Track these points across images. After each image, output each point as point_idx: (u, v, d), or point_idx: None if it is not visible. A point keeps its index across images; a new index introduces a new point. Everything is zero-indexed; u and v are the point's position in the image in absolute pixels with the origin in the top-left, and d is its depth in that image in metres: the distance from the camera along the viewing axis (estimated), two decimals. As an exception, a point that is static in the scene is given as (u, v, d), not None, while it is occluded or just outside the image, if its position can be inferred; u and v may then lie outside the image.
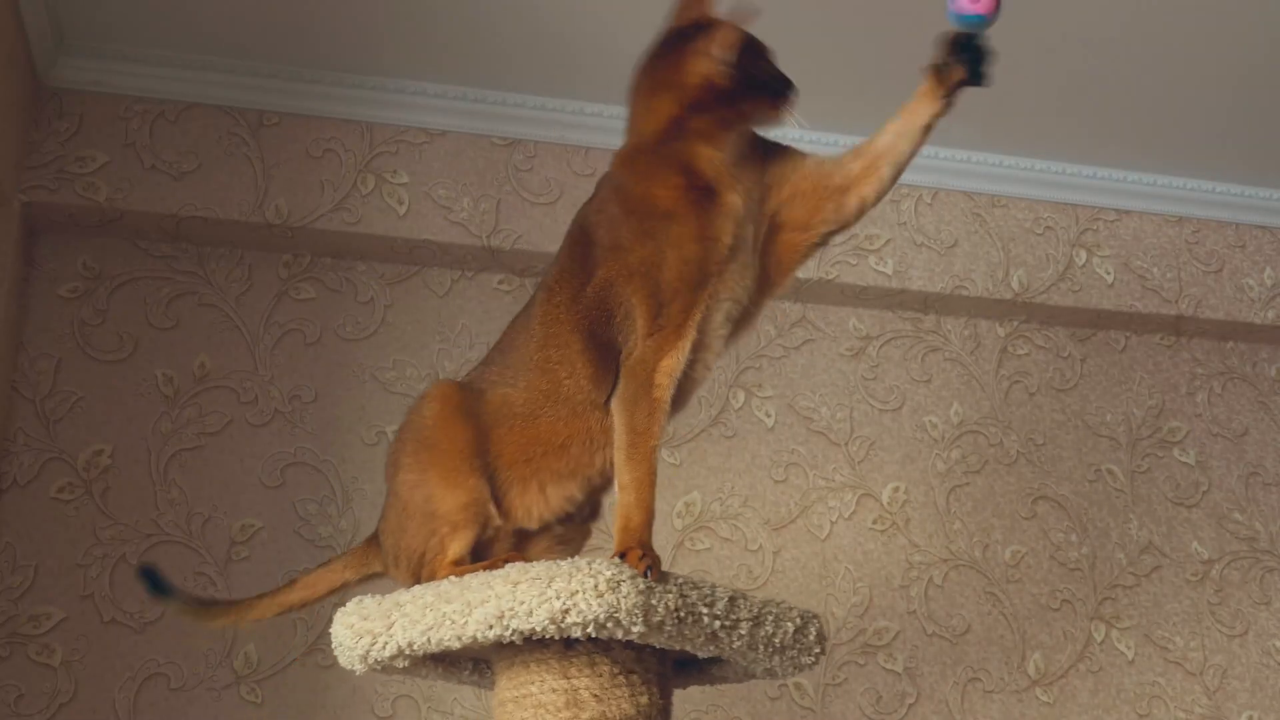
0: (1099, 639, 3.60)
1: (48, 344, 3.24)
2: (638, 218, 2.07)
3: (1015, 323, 3.84)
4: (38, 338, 3.24)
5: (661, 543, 3.39)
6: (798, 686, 3.39)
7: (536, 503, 2.13)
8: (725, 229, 2.03)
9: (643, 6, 3.16)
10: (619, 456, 1.99)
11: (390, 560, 2.20)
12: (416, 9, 3.17)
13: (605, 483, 2.14)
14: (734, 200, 2.05)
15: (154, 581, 2.37)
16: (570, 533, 2.23)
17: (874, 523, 3.58)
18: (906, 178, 3.69)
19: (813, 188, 2.15)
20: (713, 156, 2.07)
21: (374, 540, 2.28)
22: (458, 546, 2.10)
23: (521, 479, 2.12)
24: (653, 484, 1.97)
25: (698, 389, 2.15)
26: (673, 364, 2.01)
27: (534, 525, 2.16)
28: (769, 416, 3.60)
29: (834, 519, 3.55)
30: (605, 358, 2.05)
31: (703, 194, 2.03)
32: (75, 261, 3.32)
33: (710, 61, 2.05)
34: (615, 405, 2.03)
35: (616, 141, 3.54)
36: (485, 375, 2.21)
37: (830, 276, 3.61)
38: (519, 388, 2.13)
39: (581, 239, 2.16)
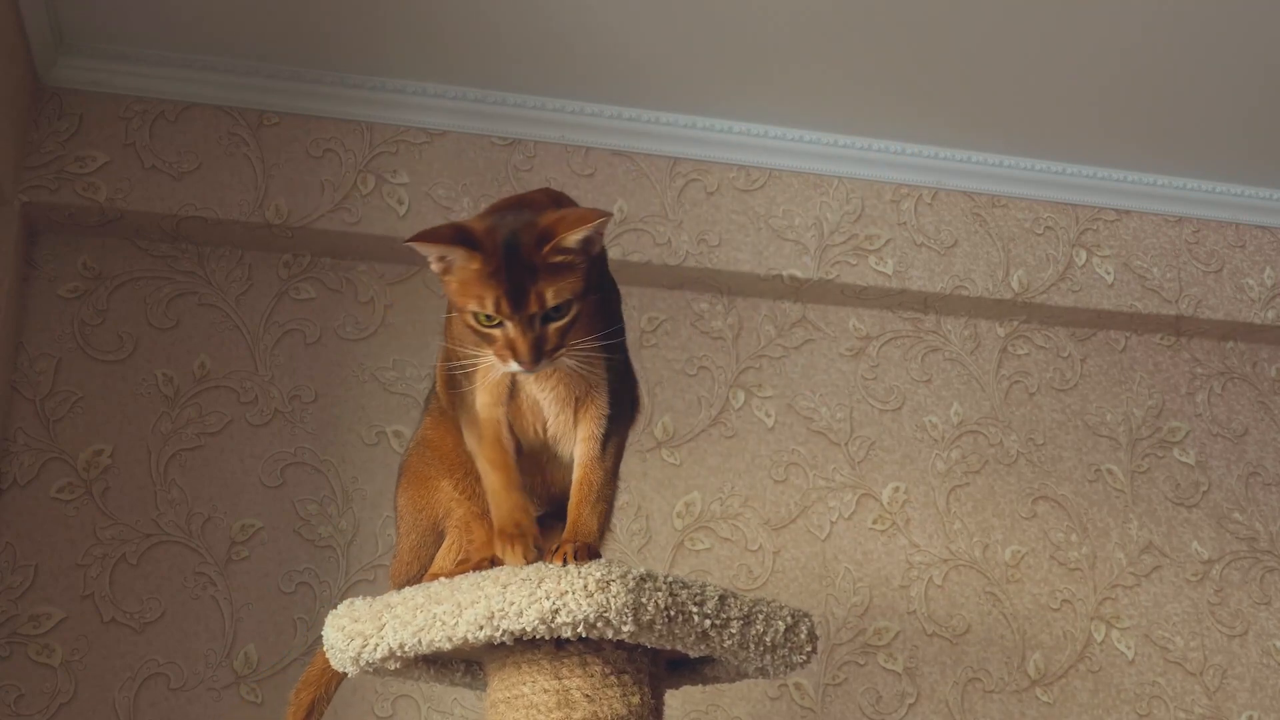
0: (1099, 639, 3.59)
1: (48, 344, 3.25)
2: None
3: (1015, 323, 3.84)
4: (38, 338, 3.25)
5: (662, 543, 3.39)
6: (798, 686, 3.39)
7: None
8: None
9: (643, 7, 3.17)
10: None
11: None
12: (417, 9, 3.17)
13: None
14: None
15: None
16: None
17: (874, 523, 3.57)
18: (907, 177, 3.73)
19: None
20: None
21: None
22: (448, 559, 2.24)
23: None
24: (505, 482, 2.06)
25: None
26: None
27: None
28: (769, 416, 3.60)
29: (834, 519, 3.55)
30: None
31: None
32: (75, 261, 3.32)
33: None
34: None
35: (616, 141, 3.59)
36: None
37: (830, 276, 3.61)
38: None
39: None
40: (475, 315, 1.91)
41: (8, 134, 3.05)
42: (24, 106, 3.18)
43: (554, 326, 1.91)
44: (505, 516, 1.99)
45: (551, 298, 1.89)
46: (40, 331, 3.25)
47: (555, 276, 1.90)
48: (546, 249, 1.89)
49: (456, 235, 1.91)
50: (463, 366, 2.01)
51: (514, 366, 1.91)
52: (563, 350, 1.94)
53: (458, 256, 1.91)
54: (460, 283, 1.92)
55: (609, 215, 1.93)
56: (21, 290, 3.24)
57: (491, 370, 1.99)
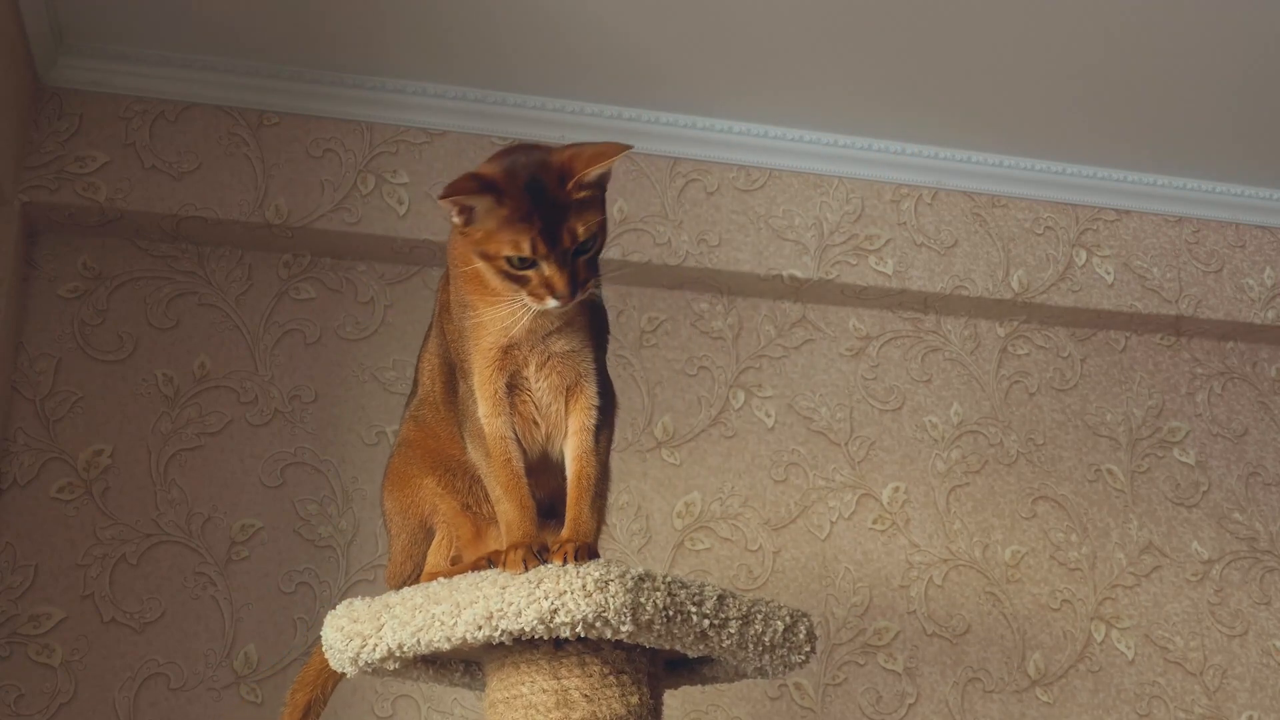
0: (1099, 639, 3.59)
1: (48, 344, 3.25)
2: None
3: (1015, 323, 3.84)
4: (38, 338, 3.25)
5: (662, 543, 3.39)
6: (798, 686, 3.39)
7: None
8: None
9: (643, 6, 3.17)
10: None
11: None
12: (417, 9, 3.17)
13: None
14: None
15: None
16: None
17: (874, 523, 3.57)
18: (907, 177, 3.73)
19: None
20: None
21: None
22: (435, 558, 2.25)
23: None
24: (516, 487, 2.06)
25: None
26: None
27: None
28: (769, 416, 3.60)
29: (834, 519, 3.55)
30: None
31: None
32: (75, 261, 3.32)
33: None
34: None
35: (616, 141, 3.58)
36: None
37: (830, 276, 3.61)
38: None
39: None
40: (509, 260, 1.92)
41: (8, 134, 3.05)
42: (24, 106, 3.18)
43: (583, 260, 1.95)
44: (518, 540, 1.99)
45: (582, 232, 1.93)
46: (40, 331, 3.25)
47: (582, 212, 1.94)
48: (570, 185, 1.92)
49: (482, 184, 1.93)
50: (480, 315, 2.02)
51: (551, 304, 1.93)
52: (592, 281, 1.98)
53: (483, 205, 1.94)
54: (487, 231, 1.94)
55: (628, 147, 1.97)
56: (21, 290, 3.24)
57: (520, 311, 1.99)
